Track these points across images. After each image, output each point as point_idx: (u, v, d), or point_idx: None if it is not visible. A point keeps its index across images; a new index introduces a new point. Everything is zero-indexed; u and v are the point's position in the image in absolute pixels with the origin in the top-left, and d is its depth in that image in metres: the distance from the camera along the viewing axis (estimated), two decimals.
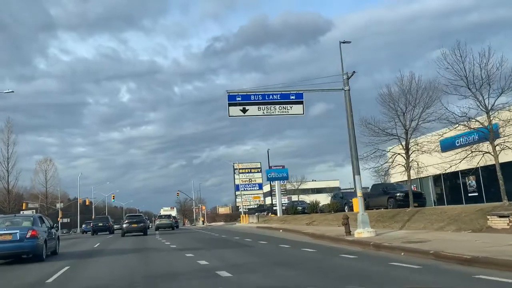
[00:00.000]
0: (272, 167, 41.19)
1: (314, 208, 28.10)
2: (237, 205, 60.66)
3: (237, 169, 63.04)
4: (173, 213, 64.36)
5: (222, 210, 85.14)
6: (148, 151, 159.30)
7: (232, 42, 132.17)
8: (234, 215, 60.49)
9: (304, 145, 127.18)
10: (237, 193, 61.15)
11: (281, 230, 19.68)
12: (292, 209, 31.77)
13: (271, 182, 43.09)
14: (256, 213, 40.19)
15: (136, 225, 25.85)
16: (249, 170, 65.47)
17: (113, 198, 60.63)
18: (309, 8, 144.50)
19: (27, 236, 10.99)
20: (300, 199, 49.23)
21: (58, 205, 50.89)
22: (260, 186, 63.65)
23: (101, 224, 35.95)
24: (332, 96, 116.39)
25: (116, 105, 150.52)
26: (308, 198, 59.68)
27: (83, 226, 41.94)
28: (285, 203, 58.93)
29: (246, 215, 39.14)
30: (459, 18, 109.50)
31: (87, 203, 62.71)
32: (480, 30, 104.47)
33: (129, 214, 32.98)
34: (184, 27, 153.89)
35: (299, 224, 22.81)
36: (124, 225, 26.03)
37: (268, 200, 64.77)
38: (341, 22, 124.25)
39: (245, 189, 62.97)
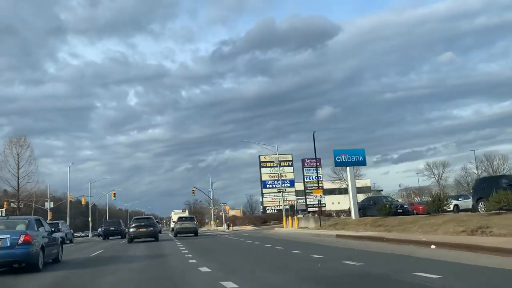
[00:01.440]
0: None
1: (438, 207, 21.07)
2: (264, 205, 60.47)
3: (264, 161, 63.24)
4: (185, 215, 65.40)
5: (232, 213, 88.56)
6: (154, 154, 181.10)
7: (239, 46, 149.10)
8: (260, 218, 60.24)
9: (309, 149, 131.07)
10: (264, 191, 60.48)
11: (433, 246, 13.03)
12: (385, 209, 24.79)
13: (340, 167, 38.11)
14: (307, 214, 36.59)
15: (145, 229, 25.91)
16: (278, 163, 64.97)
17: (114, 196, 61.39)
18: (317, 12, 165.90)
19: (19, 242, 10.80)
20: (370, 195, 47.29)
21: (47, 205, 50.24)
22: (292, 183, 63.39)
23: (112, 228, 39.29)
24: (337, 100, 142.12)
25: (124, 108, 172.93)
26: (336, 199, 58.69)
27: (99, 230, 44.58)
28: (313, 203, 57.50)
29: (296, 217, 34.21)
30: (466, 21, 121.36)
31: (83, 203, 63.44)
32: (487, 34, 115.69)
33: (137, 216, 33.25)
34: (192, 31, 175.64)
35: (429, 232, 16.54)
36: (131, 230, 25.97)
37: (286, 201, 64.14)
38: (348, 26, 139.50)
39: (273, 185, 62.23)
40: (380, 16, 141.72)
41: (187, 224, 31.59)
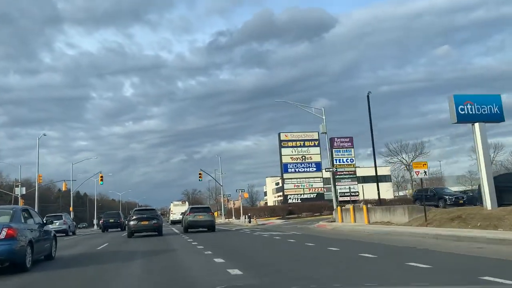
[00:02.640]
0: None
1: None
2: (285, 193, 59.66)
3: (284, 140, 61.98)
4: (185, 207, 63.84)
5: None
6: (149, 145, 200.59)
7: (236, 37, 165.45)
8: (281, 209, 59.18)
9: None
10: (286, 176, 59.89)
11: None
12: None
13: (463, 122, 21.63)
14: (366, 205, 27.60)
15: (147, 222, 26.18)
16: (301, 143, 63.81)
17: (101, 181, 60.64)
18: (315, 4, 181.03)
19: (1, 237, 10.50)
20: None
21: (18, 190, 49.64)
22: (319, 167, 62.52)
23: (112, 221, 42.68)
24: (333, 92, 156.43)
25: (120, 99, 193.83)
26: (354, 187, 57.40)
27: (101, 222, 47.60)
28: (344, 192, 57.48)
29: (365, 207, 26.85)
30: (464, 15, 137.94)
31: (63, 189, 63.39)
32: (484, 27, 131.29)
33: (138, 208, 33.79)
34: (190, 22, 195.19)
35: None
36: (132, 223, 26.19)
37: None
38: (346, 19, 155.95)
39: (297, 170, 62.03)
40: (378, 9, 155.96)
41: (202, 217, 29.37)
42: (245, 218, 40.40)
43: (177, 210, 63.95)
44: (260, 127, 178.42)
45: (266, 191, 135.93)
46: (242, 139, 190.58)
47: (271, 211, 55.93)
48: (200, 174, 57.82)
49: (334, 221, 30.64)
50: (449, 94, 19.77)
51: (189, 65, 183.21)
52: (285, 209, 55.27)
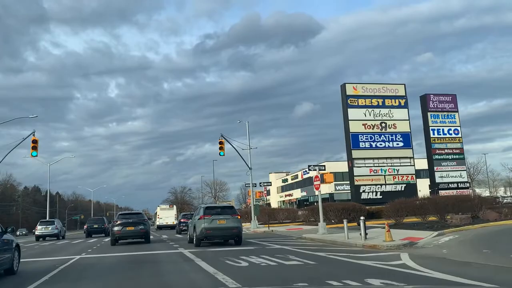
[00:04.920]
0: None
1: None
2: (356, 182, 33.91)
3: (353, 96, 41.95)
4: (173, 211, 64.95)
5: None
6: (132, 147, 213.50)
7: (223, 40, 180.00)
8: (333, 208, 36.32)
9: (288, 144, 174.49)
10: (355, 153, 41.17)
11: None
12: None
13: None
14: None
15: (133, 228, 25.79)
16: (380, 101, 43.03)
17: (34, 150, 39.11)
18: (302, 9, 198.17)
19: None
20: None
21: None
22: (407, 140, 42.65)
23: (96, 226, 44.71)
24: (318, 97, 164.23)
25: (104, 100, 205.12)
26: None
27: (85, 227, 50.47)
28: (447, 182, 42.14)
29: None
30: (447, 23, 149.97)
31: None
32: (466, 36, 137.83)
33: (123, 212, 35.24)
34: (178, 24, 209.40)
35: None
36: (116, 228, 25.94)
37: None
38: (332, 24, 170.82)
39: (373, 144, 41.99)
40: (364, 15, 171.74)
41: (224, 222, 21.31)
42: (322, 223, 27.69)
43: (164, 215, 63.46)
44: (243, 130, 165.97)
45: (269, 190, 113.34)
46: (227, 141, 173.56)
47: (328, 213, 35.60)
48: (221, 143, 38.64)
49: None
50: None
51: (176, 67, 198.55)
52: (357, 209, 35.32)
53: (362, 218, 19.56)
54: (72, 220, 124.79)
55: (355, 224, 35.07)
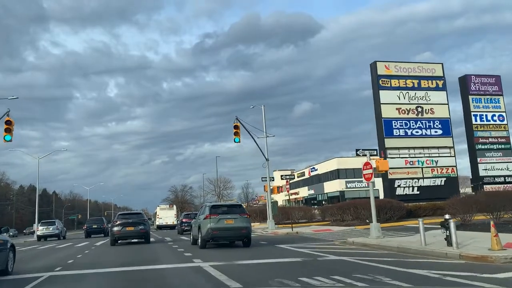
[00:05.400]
0: None
1: None
2: (390, 175, 28.62)
3: (386, 75, 36.42)
4: (173, 211, 64.72)
5: None
6: (132, 146, 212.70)
7: (222, 40, 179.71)
8: (362, 206, 33.33)
9: (287, 144, 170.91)
10: (388, 142, 35.40)
11: None
12: None
13: None
14: None
15: (132, 228, 25.72)
16: (415, 81, 37.21)
17: (8, 134, 34.65)
18: (302, 9, 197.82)
19: None
20: None
21: None
22: (447, 128, 36.97)
23: (95, 226, 45.47)
24: (317, 96, 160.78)
25: (103, 99, 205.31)
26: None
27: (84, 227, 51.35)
28: (492, 176, 37.54)
29: None
30: (446, 22, 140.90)
31: None
32: (465, 35, 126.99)
33: (123, 212, 35.18)
34: (178, 23, 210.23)
35: None
36: (115, 228, 25.77)
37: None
38: (332, 24, 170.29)
39: (409, 132, 36.49)
40: (363, 15, 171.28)
41: (232, 221, 19.90)
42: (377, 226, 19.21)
43: (164, 215, 63.02)
44: (243, 129, 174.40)
45: (272, 189, 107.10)
46: (225, 141, 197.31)
47: (360, 212, 30.55)
48: (236, 128, 32.58)
49: None
50: None
51: (175, 67, 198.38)
52: (395, 207, 30.31)
53: (447, 217, 14.00)
54: (69, 220, 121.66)
55: (391, 224, 29.73)
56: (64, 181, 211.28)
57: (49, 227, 43.96)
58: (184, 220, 39.10)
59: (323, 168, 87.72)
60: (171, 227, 59.27)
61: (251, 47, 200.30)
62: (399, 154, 35.17)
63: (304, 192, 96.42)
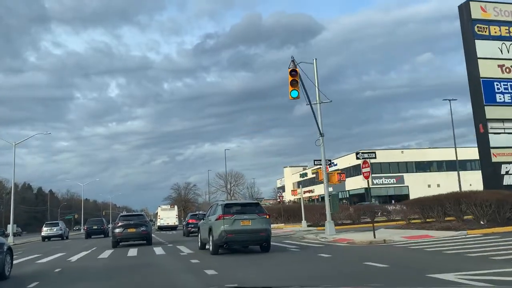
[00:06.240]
0: None
1: None
2: (493, 159, 17.51)
3: (481, 21, 26.73)
4: (174, 212, 64.29)
5: None
6: (132, 146, 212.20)
7: (223, 40, 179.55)
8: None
9: (288, 144, 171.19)
10: (489, 112, 25.82)
11: None
12: None
13: None
14: None
15: (134, 230, 25.61)
16: None
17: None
18: (302, 10, 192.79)
19: None
20: None
21: None
22: None
23: (95, 227, 48.07)
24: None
25: (104, 100, 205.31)
26: None
27: (84, 228, 54.07)
28: None
29: None
30: (447, 23, 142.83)
31: None
32: None
33: (124, 213, 35.84)
34: (179, 24, 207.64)
35: None
36: (117, 230, 25.84)
37: None
38: (332, 25, 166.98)
39: None
40: (364, 16, 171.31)
41: (249, 223, 17.98)
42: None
43: (165, 215, 62.60)
44: (243, 130, 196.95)
45: (283, 186, 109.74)
46: (226, 141, 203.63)
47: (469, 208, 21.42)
48: (293, 74, 23.02)
49: None
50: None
51: (176, 67, 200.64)
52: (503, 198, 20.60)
53: None
54: (65, 220, 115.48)
55: None
56: (65, 181, 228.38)
57: (53, 228, 47.39)
58: (190, 221, 37.75)
59: (344, 162, 79.60)
60: (172, 227, 60.71)
61: (251, 47, 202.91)
62: (504, 128, 24.88)
63: (320, 189, 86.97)
